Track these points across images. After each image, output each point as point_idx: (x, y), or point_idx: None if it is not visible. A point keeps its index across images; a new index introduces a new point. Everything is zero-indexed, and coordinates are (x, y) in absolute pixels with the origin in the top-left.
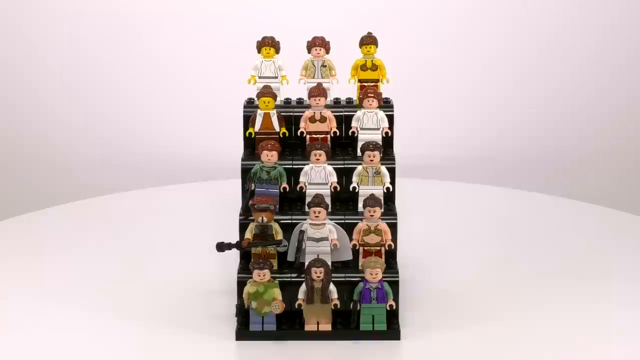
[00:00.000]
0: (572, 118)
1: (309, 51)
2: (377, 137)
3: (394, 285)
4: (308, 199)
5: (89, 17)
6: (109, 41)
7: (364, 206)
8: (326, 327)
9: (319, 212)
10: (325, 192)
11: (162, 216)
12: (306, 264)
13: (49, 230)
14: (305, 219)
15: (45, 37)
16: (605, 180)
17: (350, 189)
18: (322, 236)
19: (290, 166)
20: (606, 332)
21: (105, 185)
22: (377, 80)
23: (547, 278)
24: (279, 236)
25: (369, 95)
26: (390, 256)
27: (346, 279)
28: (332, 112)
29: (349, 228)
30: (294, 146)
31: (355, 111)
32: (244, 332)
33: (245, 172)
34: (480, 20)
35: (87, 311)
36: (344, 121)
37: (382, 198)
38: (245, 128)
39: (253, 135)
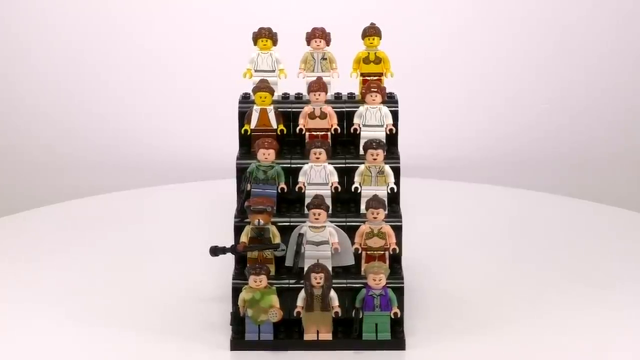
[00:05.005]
0: (580, 117)
1: (309, 43)
2: (381, 134)
3: (399, 291)
4: (307, 200)
5: (81, 14)
6: (103, 39)
7: (367, 208)
8: (326, 336)
9: (319, 214)
10: (326, 192)
11: (153, 218)
12: (305, 269)
13: (42, 231)
14: (304, 221)
15: (38, 36)
16: (613, 180)
17: (352, 190)
18: (322, 239)
19: (289, 165)
20: (619, 338)
21: (96, 185)
22: (381, 74)
23: (557, 281)
24: (277, 240)
25: (372, 90)
26: (395, 261)
27: (348, 285)
28: (333, 107)
29: (350, 231)
30: (293, 144)
31: (358, 107)
32: (239, 341)
33: (241, 172)
34: (488, 15)
35: (76, 317)
36: (346, 117)
37: (385, 199)
38: (241, 125)
39: (249, 133)
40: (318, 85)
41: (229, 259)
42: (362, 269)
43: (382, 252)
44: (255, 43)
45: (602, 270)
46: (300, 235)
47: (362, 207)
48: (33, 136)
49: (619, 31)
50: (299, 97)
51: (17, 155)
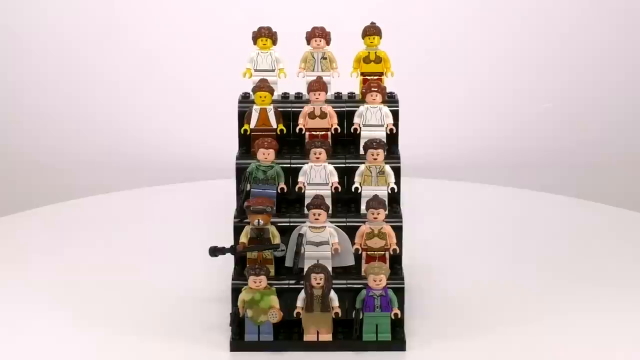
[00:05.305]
0: (580, 117)
1: (309, 42)
2: (381, 134)
3: (399, 292)
4: (307, 200)
5: (81, 15)
6: (103, 39)
7: (367, 208)
8: (326, 337)
9: (319, 214)
10: (326, 192)
11: (153, 219)
12: (305, 269)
13: (41, 231)
14: (304, 222)
15: (38, 36)
16: (613, 180)
17: (353, 190)
18: (322, 240)
19: (289, 165)
20: (620, 338)
21: (95, 185)
22: (381, 74)
23: (557, 282)
24: (277, 240)
25: (373, 89)
26: (395, 261)
27: (348, 285)
28: (333, 107)
29: (351, 231)
30: (293, 144)
31: (358, 106)
32: (239, 342)
33: (240, 172)
34: (489, 14)
35: (75, 317)
36: (346, 117)
37: (386, 199)
38: (240, 125)
39: (248, 132)
40: (318, 85)
41: (229, 260)
42: (363, 270)
43: (383, 253)
44: (255, 42)
45: (602, 270)
46: (300, 236)
47: (363, 207)
48: (32, 136)
49: (619, 31)
50: (298, 96)
51: (16, 155)
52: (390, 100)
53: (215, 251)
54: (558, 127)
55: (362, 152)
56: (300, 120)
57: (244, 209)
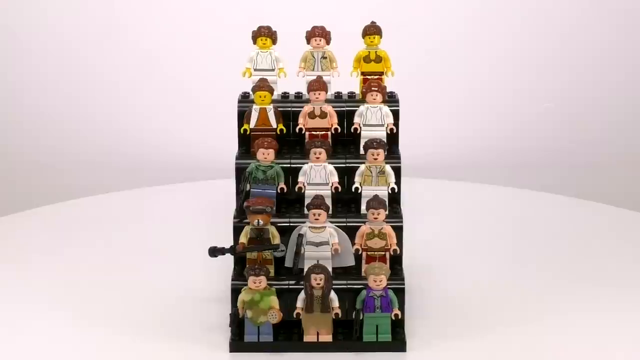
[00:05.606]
0: (580, 117)
1: (308, 42)
2: (381, 134)
3: (400, 292)
4: (307, 200)
5: (81, 14)
6: (103, 39)
7: (367, 208)
8: (327, 337)
9: (319, 215)
10: (326, 192)
11: (151, 219)
12: (305, 270)
13: (41, 231)
14: (304, 222)
15: (38, 36)
16: (613, 180)
17: (353, 190)
18: (322, 240)
19: (288, 165)
20: (620, 338)
21: (95, 185)
22: (382, 73)
23: (557, 282)
24: (276, 240)
25: (373, 89)
26: (396, 262)
27: (348, 286)
28: (333, 107)
29: (351, 231)
30: (292, 144)
31: (358, 106)
32: (238, 343)
33: (240, 172)
34: (489, 14)
35: (75, 318)
36: (346, 117)
37: (386, 199)
38: (240, 124)
39: (248, 132)
40: (318, 84)
41: (228, 260)
42: (363, 270)
43: (383, 253)
44: (254, 42)
45: (602, 270)
46: (300, 236)
47: (363, 207)
48: (32, 136)
49: (619, 31)
50: (298, 96)
51: (16, 155)
52: (391, 100)
53: (214, 251)
54: (558, 127)
55: (362, 152)
56: (300, 120)
57: (244, 209)
